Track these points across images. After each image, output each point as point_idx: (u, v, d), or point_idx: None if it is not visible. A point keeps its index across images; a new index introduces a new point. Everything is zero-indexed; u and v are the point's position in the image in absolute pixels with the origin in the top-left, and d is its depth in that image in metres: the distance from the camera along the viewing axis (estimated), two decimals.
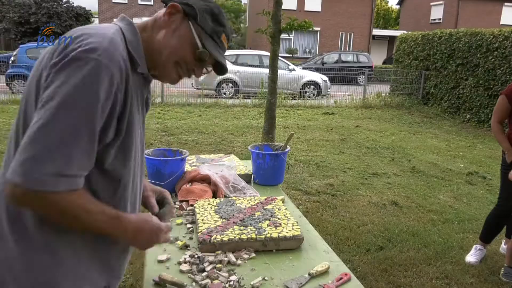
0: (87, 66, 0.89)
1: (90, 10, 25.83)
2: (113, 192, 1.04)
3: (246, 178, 2.27)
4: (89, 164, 0.93)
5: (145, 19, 1.16)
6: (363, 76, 13.78)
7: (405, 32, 15.13)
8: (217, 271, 1.37)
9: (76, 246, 1.00)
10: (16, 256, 0.95)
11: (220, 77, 11.87)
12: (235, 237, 1.52)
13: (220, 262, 1.43)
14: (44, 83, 0.92)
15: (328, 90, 13.91)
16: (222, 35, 1.12)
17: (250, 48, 26.25)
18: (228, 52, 10.14)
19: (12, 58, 12.09)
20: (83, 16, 24.60)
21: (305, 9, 27.27)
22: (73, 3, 24.89)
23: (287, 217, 1.70)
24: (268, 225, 1.62)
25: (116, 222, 1.01)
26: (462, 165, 6.16)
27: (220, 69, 1.15)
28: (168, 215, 1.27)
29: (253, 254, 1.49)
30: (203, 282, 1.32)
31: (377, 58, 27.53)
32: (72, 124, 0.88)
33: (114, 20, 1.10)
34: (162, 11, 1.10)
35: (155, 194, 1.33)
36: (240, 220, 1.66)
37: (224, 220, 1.67)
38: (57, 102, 0.87)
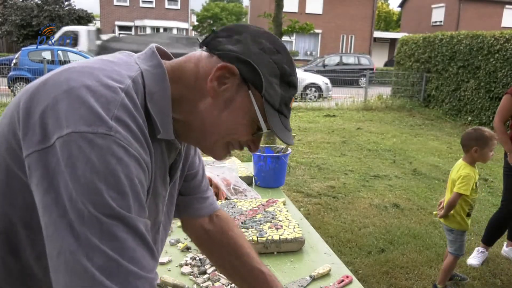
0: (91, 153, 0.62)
1: (91, 13, 25.91)
2: None
3: (247, 180, 2.27)
4: (155, 276, 0.66)
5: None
6: (364, 79, 13.79)
7: (406, 34, 15.15)
8: (218, 273, 1.37)
9: None
10: None
11: None
12: None
13: None
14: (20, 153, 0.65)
15: (329, 93, 13.91)
16: (291, 100, 0.81)
17: None
18: None
19: (14, 61, 12.12)
20: (84, 19, 24.67)
21: (306, 12, 27.32)
22: (74, 6, 24.97)
23: (288, 219, 1.70)
24: (269, 227, 1.62)
25: None
26: None
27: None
28: None
29: None
30: (204, 284, 1.32)
31: (378, 60, 27.54)
32: (109, 236, 0.61)
33: (136, 55, 0.79)
34: (205, 57, 0.77)
35: None
36: (242, 222, 1.66)
37: None
38: (70, 217, 0.60)
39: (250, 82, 0.75)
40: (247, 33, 0.76)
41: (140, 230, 0.64)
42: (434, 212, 2.94)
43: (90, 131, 0.61)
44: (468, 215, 2.77)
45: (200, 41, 0.80)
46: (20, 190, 0.67)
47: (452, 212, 2.72)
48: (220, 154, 0.83)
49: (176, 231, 1.69)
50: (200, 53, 0.79)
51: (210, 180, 2.09)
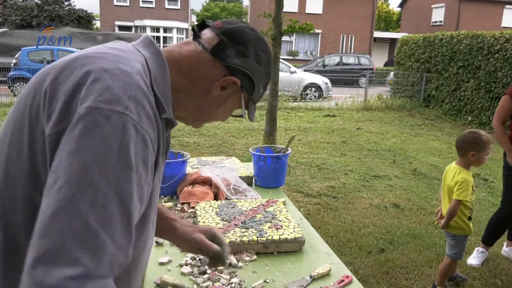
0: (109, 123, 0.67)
1: (91, 13, 25.90)
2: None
3: (247, 180, 2.27)
4: (125, 259, 0.67)
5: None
6: (364, 78, 13.78)
7: (406, 34, 15.15)
8: (219, 274, 1.37)
9: None
10: None
11: None
12: (236, 239, 1.52)
13: None
14: (39, 131, 0.71)
15: (329, 93, 13.91)
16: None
17: None
18: None
19: (14, 61, 12.13)
20: (84, 19, 24.67)
21: (306, 12, 27.30)
22: (74, 6, 24.97)
23: (288, 219, 1.70)
24: (269, 227, 1.62)
25: None
26: None
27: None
28: (227, 255, 1.16)
29: (255, 257, 1.49)
30: (205, 284, 1.32)
31: (378, 60, 27.53)
32: (100, 206, 0.63)
33: (134, 43, 0.87)
34: (210, 62, 0.87)
35: (205, 234, 1.15)
36: (242, 222, 1.66)
37: (225, 222, 1.67)
38: (71, 177, 0.63)
39: (245, 89, 0.93)
40: (249, 44, 0.90)
41: (128, 208, 0.67)
42: (435, 222, 2.92)
43: (108, 108, 0.67)
44: (470, 218, 2.76)
45: (197, 30, 0.91)
46: (44, 173, 0.71)
47: (455, 219, 2.70)
48: (200, 125, 0.99)
49: None
50: (201, 50, 0.88)
51: (210, 180, 2.09)
